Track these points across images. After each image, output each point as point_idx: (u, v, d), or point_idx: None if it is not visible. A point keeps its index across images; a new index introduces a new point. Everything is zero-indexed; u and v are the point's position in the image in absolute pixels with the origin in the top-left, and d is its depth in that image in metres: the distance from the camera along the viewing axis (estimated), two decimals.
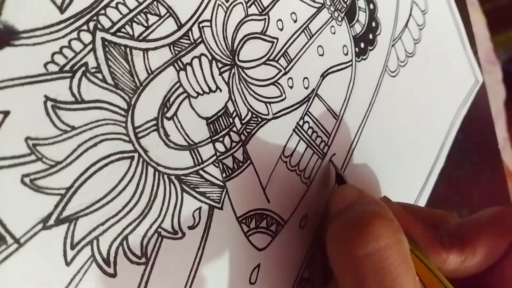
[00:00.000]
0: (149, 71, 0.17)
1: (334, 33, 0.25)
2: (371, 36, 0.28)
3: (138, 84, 0.17)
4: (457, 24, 0.36)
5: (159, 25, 0.17)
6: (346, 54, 0.26)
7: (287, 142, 0.22)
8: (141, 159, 0.17)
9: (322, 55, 0.24)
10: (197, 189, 0.18)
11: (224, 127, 0.19)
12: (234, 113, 0.20)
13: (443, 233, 0.21)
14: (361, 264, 0.17)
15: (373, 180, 0.27)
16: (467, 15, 0.38)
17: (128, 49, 0.16)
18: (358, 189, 0.21)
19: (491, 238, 0.21)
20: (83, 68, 0.15)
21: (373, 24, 0.28)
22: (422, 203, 0.32)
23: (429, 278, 0.18)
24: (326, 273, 0.24)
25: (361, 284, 0.17)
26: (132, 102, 0.16)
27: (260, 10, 0.21)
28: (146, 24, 0.17)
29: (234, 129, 0.20)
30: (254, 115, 0.20)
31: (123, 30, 0.16)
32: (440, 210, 0.24)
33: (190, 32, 0.18)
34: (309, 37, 0.23)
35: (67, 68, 0.15)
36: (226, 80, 0.19)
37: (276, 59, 0.22)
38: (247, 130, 0.20)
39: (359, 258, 0.17)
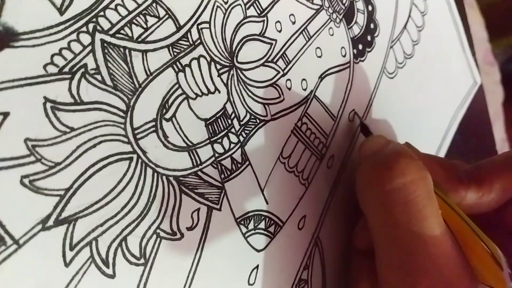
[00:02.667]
0: (148, 73, 0.17)
1: (332, 34, 0.25)
2: (369, 38, 0.28)
3: (137, 86, 0.17)
4: (457, 26, 0.37)
5: (158, 26, 0.17)
6: (344, 56, 0.26)
7: (285, 143, 0.22)
8: (140, 160, 0.17)
9: (320, 56, 0.24)
10: (196, 190, 0.18)
11: (222, 128, 0.19)
12: (233, 115, 0.20)
13: (461, 173, 0.23)
14: (389, 198, 0.18)
15: None
16: (465, 16, 0.38)
17: (127, 51, 0.17)
18: (386, 138, 0.22)
19: (506, 176, 0.22)
20: (82, 70, 0.15)
21: (372, 25, 0.28)
22: None
23: (450, 213, 0.20)
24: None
25: (389, 216, 0.18)
26: (131, 104, 0.17)
27: (259, 12, 0.21)
28: (145, 26, 0.17)
29: (233, 130, 0.20)
30: (252, 117, 0.21)
31: (122, 31, 0.16)
32: (457, 160, 0.25)
33: (189, 34, 0.18)
34: (307, 39, 0.24)
35: (66, 69, 0.15)
36: (225, 82, 0.20)
37: (275, 60, 0.22)
38: (246, 131, 0.20)
39: (388, 192, 0.18)
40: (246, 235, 0.20)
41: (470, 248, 0.19)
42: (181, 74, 0.18)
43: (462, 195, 0.22)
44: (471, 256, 0.19)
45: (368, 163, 0.20)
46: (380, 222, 0.19)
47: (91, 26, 0.16)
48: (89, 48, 0.16)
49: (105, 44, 0.16)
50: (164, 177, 0.17)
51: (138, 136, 0.17)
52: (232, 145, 0.20)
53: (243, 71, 0.20)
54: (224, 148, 0.19)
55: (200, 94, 0.19)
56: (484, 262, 0.19)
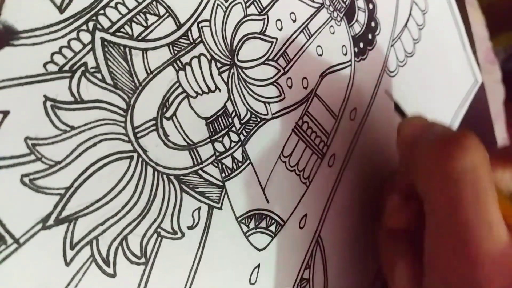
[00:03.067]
0: (148, 71, 0.17)
1: (333, 33, 0.25)
2: (370, 36, 0.28)
3: (138, 84, 0.17)
4: (457, 24, 0.36)
5: (158, 25, 0.17)
6: (345, 54, 0.26)
7: (286, 142, 0.22)
8: (140, 159, 0.17)
9: (321, 55, 0.24)
10: (197, 189, 0.18)
11: (223, 127, 0.19)
12: (233, 113, 0.20)
13: (495, 151, 0.22)
14: (458, 175, 0.17)
15: (372, 180, 0.27)
16: (466, 15, 0.38)
17: (127, 49, 0.16)
18: (425, 118, 0.22)
19: None
20: (83, 68, 0.15)
21: (372, 24, 0.28)
22: None
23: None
24: None
25: (459, 195, 0.17)
26: (131, 102, 0.16)
27: (259, 10, 0.21)
28: (145, 24, 0.17)
29: (233, 129, 0.20)
30: (253, 115, 0.20)
31: (122, 30, 0.16)
32: None
33: (189, 32, 0.18)
34: (308, 37, 0.23)
35: (66, 68, 0.15)
36: (225, 80, 0.19)
37: (275, 59, 0.22)
38: (246, 130, 0.20)
39: (458, 170, 0.18)
40: (247, 234, 0.20)
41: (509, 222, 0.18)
42: (181, 73, 0.18)
43: (499, 174, 0.21)
44: None
45: (432, 141, 0.19)
46: (445, 202, 0.18)
47: (91, 24, 0.16)
48: (89, 46, 0.16)
49: (105, 43, 0.16)
50: (164, 176, 0.17)
51: (138, 135, 0.17)
52: (233, 144, 0.20)
53: (244, 70, 0.20)
54: (224, 146, 0.19)
55: (200, 92, 0.19)
56: None
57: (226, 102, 0.19)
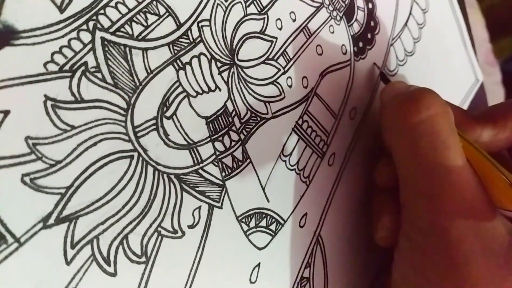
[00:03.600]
0: (149, 71, 0.17)
1: (332, 32, 0.25)
2: (369, 36, 0.28)
3: (138, 84, 0.17)
4: (459, 23, 0.36)
5: (159, 24, 0.17)
6: (345, 54, 0.26)
7: (286, 141, 0.22)
8: (140, 158, 0.17)
9: (321, 54, 0.24)
10: (197, 188, 0.18)
11: (223, 126, 0.19)
12: (234, 112, 0.20)
13: (476, 113, 0.24)
14: (416, 129, 0.20)
15: (371, 179, 0.27)
16: (466, 16, 0.38)
17: (127, 49, 0.17)
18: (406, 82, 0.24)
19: None
20: (83, 68, 0.15)
21: (372, 23, 0.28)
22: None
23: (468, 148, 0.21)
24: None
25: (416, 147, 0.20)
26: (132, 102, 0.16)
27: (259, 10, 0.21)
28: (145, 24, 0.17)
29: (234, 128, 0.20)
30: (253, 114, 0.21)
31: (122, 29, 0.16)
32: None
33: (189, 32, 0.18)
34: (308, 37, 0.23)
35: (66, 67, 0.15)
36: (225, 80, 0.19)
37: (275, 58, 0.22)
38: (247, 129, 0.20)
39: (414, 124, 0.20)
40: (247, 233, 0.20)
41: (488, 177, 0.20)
42: (181, 72, 0.18)
43: (478, 132, 0.23)
44: (489, 184, 0.20)
45: (395, 100, 0.21)
46: (406, 154, 0.20)
47: (91, 24, 0.16)
48: (90, 46, 0.16)
49: (106, 42, 0.16)
50: (165, 175, 0.17)
51: (138, 134, 0.17)
52: (233, 143, 0.20)
53: (244, 69, 0.20)
54: (225, 146, 0.19)
55: (200, 92, 0.19)
56: (501, 188, 0.20)
57: (226, 101, 0.19)
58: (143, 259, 0.16)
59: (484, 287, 0.18)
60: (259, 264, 0.20)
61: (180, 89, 0.18)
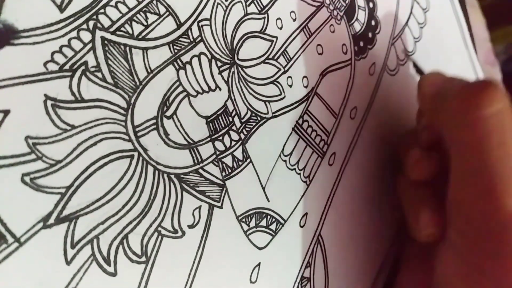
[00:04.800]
0: (149, 70, 0.17)
1: (333, 31, 0.25)
2: (370, 35, 0.28)
3: (138, 83, 0.17)
4: (459, 22, 0.36)
5: (159, 24, 0.17)
6: (345, 53, 0.26)
7: (286, 141, 0.22)
8: (140, 158, 0.17)
9: (321, 53, 0.24)
10: (197, 188, 0.18)
11: (223, 126, 0.19)
12: (234, 112, 0.20)
13: (485, 12, 0.24)
14: (486, 123, 0.18)
15: (372, 179, 0.27)
16: (467, 16, 0.38)
17: (127, 48, 0.16)
18: (444, 74, 0.23)
19: None
20: (83, 67, 0.15)
21: (373, 22, 0.28)
22: None
23: None
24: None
25: (484, 141, 0.19)
26: (132, 101, 0.16)
27: (260, 9, 0.21)
28: (145, 23, 0.17)
29: (234, 128, 0.20)
30: (253, 114, 0.20)
31: (122, 29, 0.16)
32: None
33: (189, 31, 0.18)
34: (308, 36, 0.23)
35: (66, 67, 0.15)
36: (226, 79, 0.19)
37: (276, 58, 0.22)
38: (247, 129, 0.20)
39: (485, 117, 0.19)
40: (247, 233, 0.20)
41: None
42: (181, 72, 0.18)
43: None
44: None
45: (461, 93, 0.20)
46: (472, 149, 0.19)
47: (91, 23, 0.16)
48: (90, 45, 0.16)
49: (106, 42, 0.16)
50: (165, 175, 0.17)
51: (139, 134, 0.17)
52: (233, 143, 0.20)
53: (244, 69, 0.20)
54: (225, 145, 0.19)
55: (201, 91, 0.19)
56: None
57: (227, 101, 0.19)
58: (143, 259, 0.16)
59: None
60: (259, 264, 0.20)
61: (180, 89, 0.18)
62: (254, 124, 0.20)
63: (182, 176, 0.18)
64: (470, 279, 0.20)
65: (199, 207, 0.18)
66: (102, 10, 0.16)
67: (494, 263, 0.19)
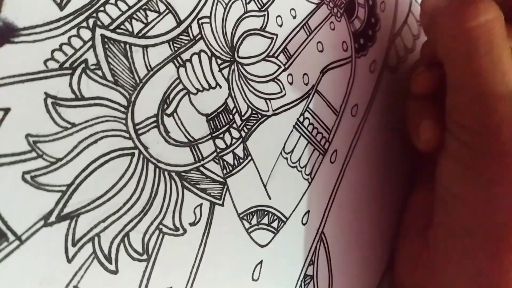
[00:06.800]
0: (149, 68, 0.17)
1: (333, 29, 0.25)
2: (370, 32, 0.28)
3: (138, 81, 0.17)
4: None
5: (159, 21, 0.17)
6: (346, 50, 0.26)
7: (287, 139, 0.22)
8: (141, 156, 0.17)
9: (321, 51, 0.24)
10: (198, 186, 0.18)
11: (224, 123, 0.19)
12: (234, 110, 0.20)
13: None
14: (473, 33, 0.20)
15: (374, 176, 0.27)
16: None
17: (127, 46, 0.16)
18: None
19: None
20: (83, 65, 0.15)
21: (373, 20, 0.28)
22: None
23: None
24: None
25: (472, 50, 0.20)
26: (132, 99, 0.16)
27: (259, 6, 0.21)
28: (145, 21, 0.17)
29: (234, 125, 0.20)
30: (254, 112, 0.20)
31: (122, 26, 0.16)
32: None
33: (189, 29, 0.18)
34: (308, 33, 0.23)
35: (67, 65, 0.15)
36: (226, 77, 0.19)
37: (276, 55, 0.22)
38: (247, 126, 0.20)
39: (472, 28, 0.20)
40: (249, 231, 0.20)
41: None
42: (182, 69, 0.18)
43: None
44: None
45: (450, 5, 0.21)
46: (461, 58, 0.21)
47: (91, 21, 0.16)
48: (90, 43, 0.16)
49: (106, 40, 0.16)
50: (166, 173, 0.17)
51: (139, 132, 0.17)
52: (234, 140, 0.20)
53: (244, 66, 0.20)
54: (226, 143, 0.19)
55: (201, 89, 0.19)
56: None
57: (227, 98, 0.19)
58: (145, 256, 0.16)
59: None
60: (261, 262, 0.20)
61: (180, 86, 0.18)
62: (254, 121, 0.20)
63: (183, 174, 0.18)
64: (466, 180, 0.21)
65: (200, 205, 0.18)
66: (102, 8, 0.16)
67: (488, 162, 0.20)
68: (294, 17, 0.23)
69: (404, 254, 0.26)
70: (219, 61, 0.19)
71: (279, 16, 0.22)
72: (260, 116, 0.21)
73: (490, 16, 0.20)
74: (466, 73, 0.21)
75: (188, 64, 0.18)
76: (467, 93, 0.21)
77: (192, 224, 0.18)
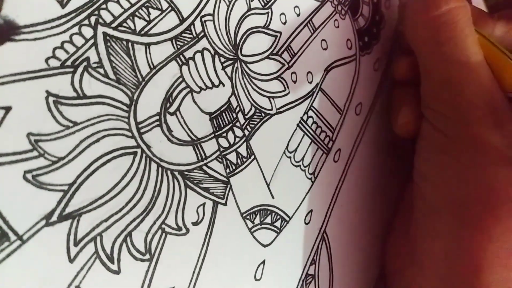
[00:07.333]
0: (152, 66, 0.17)
1: (337, 27, 0.25)
2: (375, 30, 0.27)
3: (141, 79, 0.17)
4: None
5: (161, 19, 0.17)
6: (350, 48, 0.25)
7: (291, 137, 0.22)
8: (144, 155, 0.16)
9: (325, 49, 0.24)
10: (201, 185, 0.18)
11: (227, 122, 0.19)
12: (238, 108, 0.19)
13: (490, 11, 0.26)
14: (436, 20, 0.22)
15: (378, 175, 0.27)
16: None
17: (130, 44, 0.16)
18: None
19: None
20: (85, 63, 0.15)
21: (377, 17, 0.28)
22: None
23: (483, 42, 0.22)
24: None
25: (436, 37, 0.22)
26: (135, 97, 0.16)
27: (263, 4, 0.21)
28: (148, 19, 0.17)
29: (238, 124, 0.19)
30: (257, 110, 0.20)
31: (124, 24, 0.16)
32: None
33: (192, 26, 0.18)
34: (312, 31, 0.23)
35: (68, 63, 0.15)
36: (229, 75, 0.19)
37: (280, 53, 0.21)
38: (251, 125, 0.20)
39: (434, 16, 0.22)
40: (252, 230, 0.20)
41: (499, 65, 0.22)
42: (184, 67, 0.18)
43: (491, 26, 0.24)
44: (501, 73, 0.22)
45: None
46: (427, 45, 0.22)
47: (93, 19, 0.16)
48: (92, 41, 0.15)
49: (108, 37, 0.16)
50: (168, 172, 0.17)
51: (142, 131, 0.16)
52: (237, 139, 0.19)
53: (248, 64, 0.20)
54: (229, 142, 0.19)
55: (204, 87, 0.18)
56: None
57: (230, 97, 0.19)
58: (147, 256, 0.16)
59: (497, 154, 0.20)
60: (264, 261, 0.20)
61: (183, 85, 0.18)
62: (258, 120, 0.20)
63: (186, 173, 0.18)
64: (439, 164, 0.22)
65: (203, 204, 0.18)
66: (104, 6, 0.16)
67: (459, 146, 0.21)
68: (298, 15, 0.23)
69: (389, 245, 0.26)
70: (222, 59, 0.19)
71: (282, 13, 0.22)
72: (263, 115, 0.21)
73: (453, 5, 0.22)
74: (433, 59, 0.22)
75: (191, 62, 0.18)
76: (436, 78, 0.22)
77: (195, 224, 0.18)
